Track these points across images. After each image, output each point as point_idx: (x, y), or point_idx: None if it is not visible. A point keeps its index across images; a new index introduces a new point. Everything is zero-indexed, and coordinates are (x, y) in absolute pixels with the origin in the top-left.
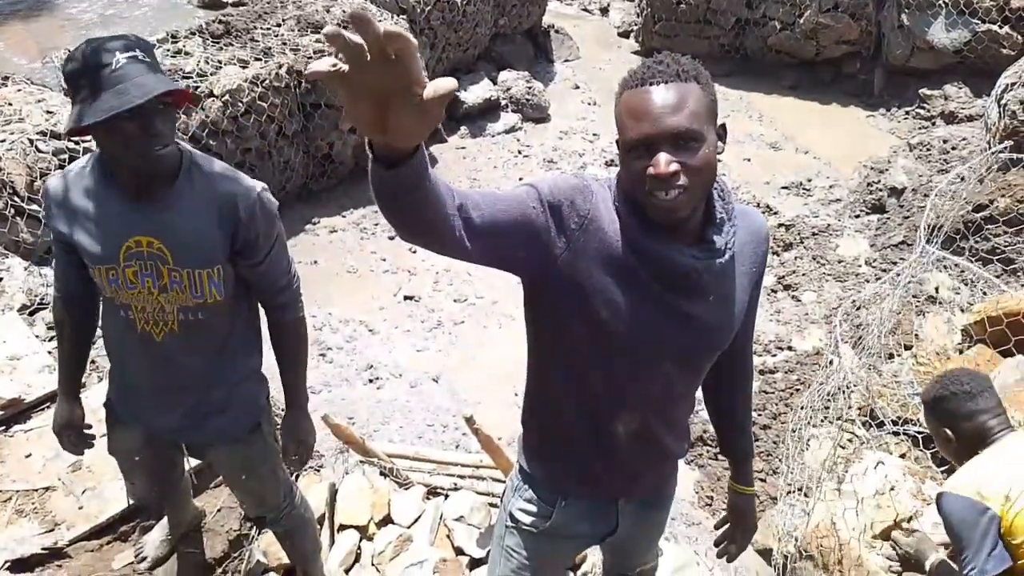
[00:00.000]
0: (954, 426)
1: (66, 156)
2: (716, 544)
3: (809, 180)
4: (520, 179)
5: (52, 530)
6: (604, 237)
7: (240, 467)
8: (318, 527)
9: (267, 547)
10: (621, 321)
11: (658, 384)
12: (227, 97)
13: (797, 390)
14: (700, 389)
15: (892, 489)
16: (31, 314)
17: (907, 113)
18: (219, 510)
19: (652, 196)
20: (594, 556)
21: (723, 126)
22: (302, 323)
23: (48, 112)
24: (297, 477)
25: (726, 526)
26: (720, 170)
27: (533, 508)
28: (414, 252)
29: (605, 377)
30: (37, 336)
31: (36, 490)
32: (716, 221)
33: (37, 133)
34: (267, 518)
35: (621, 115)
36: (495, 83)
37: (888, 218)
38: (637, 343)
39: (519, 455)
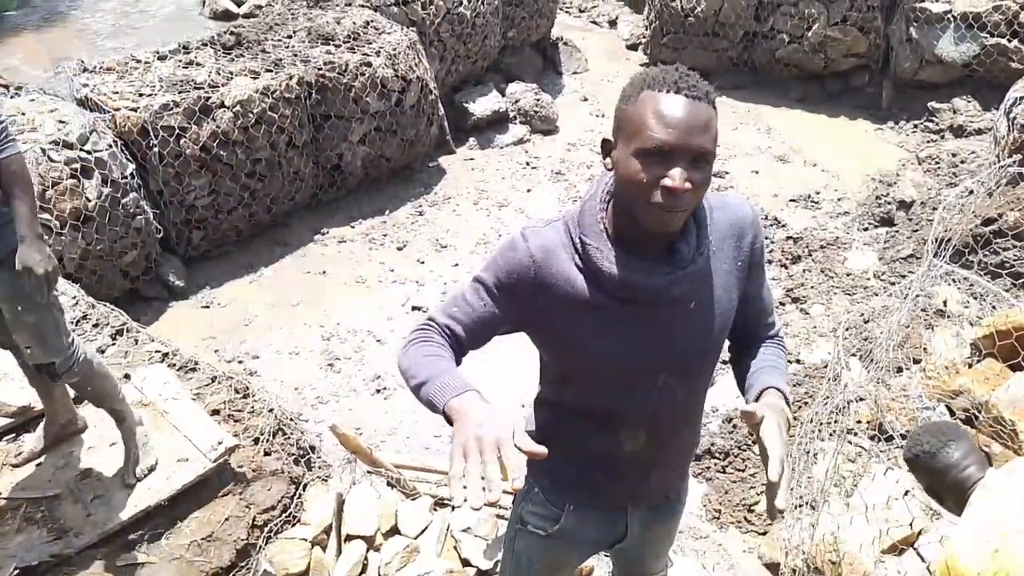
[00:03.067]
0: (933, 485)
1: (78, 166)
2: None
3: (817, 193)
4: (528, 190)
5: (60, 538)
6: (564, 283)
7: (12, 296)
8: (109, 371)
9: (274, 557)
10: (605, 348)
11: (659, 397)
12: (238, 108)
13: (805, 403)
14: (734, 373)
15: (906, 494)
16: None
17: (916, 126)
18: (226, 519)
19: (653, 206)
20: (601, 569)
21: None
22: (15, 161)
23: (61, 122)
24: (306, 487)
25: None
26: (728, 182)
27: (542, 511)
28: (422, 263)
29: (606, 397)
30: None
31: (45, 498)
32: (682, 229)
33: (49, 143)
34: (56, 364)
35: (642, 115)
36: (504, 95)
37: (897, 231)
38: (626, 364)
39: (526, 464)
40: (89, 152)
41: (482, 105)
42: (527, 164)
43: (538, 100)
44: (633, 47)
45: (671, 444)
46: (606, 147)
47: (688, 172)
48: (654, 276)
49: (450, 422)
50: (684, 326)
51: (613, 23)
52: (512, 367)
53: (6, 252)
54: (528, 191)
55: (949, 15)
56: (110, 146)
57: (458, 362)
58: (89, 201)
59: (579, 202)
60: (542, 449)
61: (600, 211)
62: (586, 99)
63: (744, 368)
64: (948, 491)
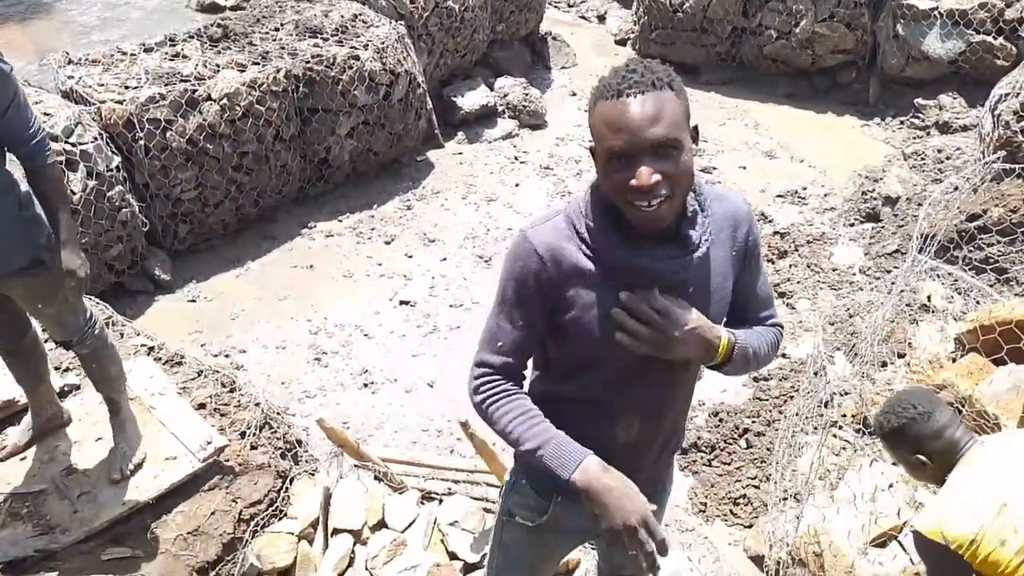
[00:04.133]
0: (924, 450)
1: (63, 158)
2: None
3: (804, 188)
4: (516, 185)
5: (46, 533)
6: (576, 274)
7: (33, 296)
8: (120, 357)
9: (261, 551)
10: (611, 330)
11: (655, 385)
12: (224, 101)
13: (791, 397)
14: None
15: (891, 487)
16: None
17: (902, 123)
18: (212, 513)
19: (634, 207)
20: (588, 562)
21: (695, 128)
22: (55, 168)
23: (46, 114)
24: (291, 482)
25: None
26: (715, 178)
27: (530, 503)
28: (410, 257)
29: (607, 386)
30: None
31: (31, 493)
32: (688, 215)
33: None
34: (72, 341)
35: (597, 126)
36: (492, 89)
37: (882, 227)
38: (630, 350)
39: (516, 456)
40: (74, 145)
41: (470, 99)
42: (515, 158)
43: (527, 95)
44: (622, 42)
45: (662, 433)
46: (593, 155)
47: (654, 165)
48: (663, 260)
49: (575, 490)
50: None
51: (602, 18)
52: None
53: (31, 256)
54: (516, 185)
55: (936, 12)
56: (95, 139)
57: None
58: (74, 194)
59: (580, 194)
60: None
61: (604, 200)
62: (574, 94)
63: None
64: (938, 455)
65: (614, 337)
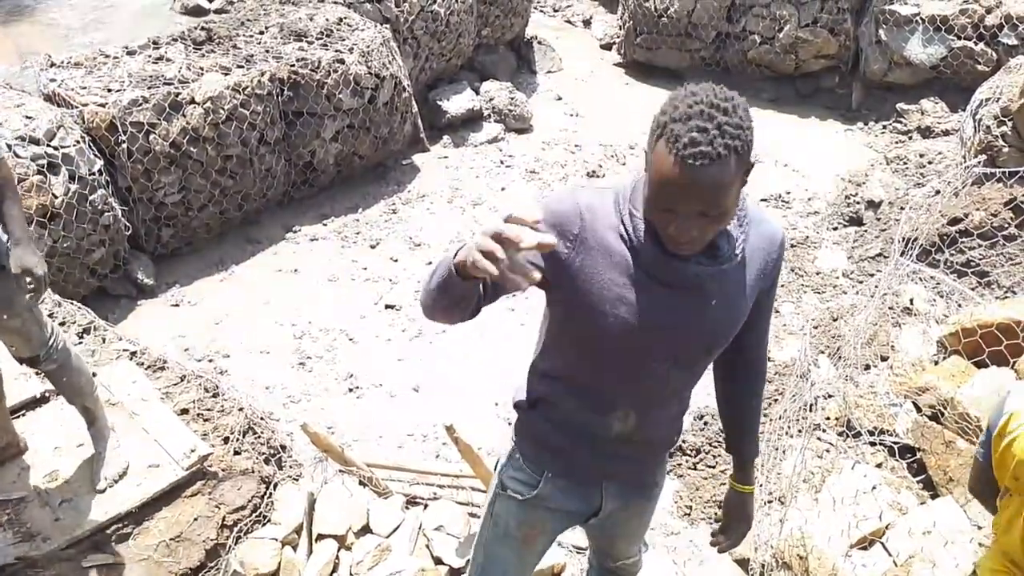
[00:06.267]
0: None
1: (45, 162)
2: (712, 536)
3: (788, 192)
4: (502, 189)
5: (26, 540)
6: (604, 248)
7: None
8: (87, 367)
9: (244, 557)
10: (623, 318)
11: (656, 383)
12: (208, 104)
13: (775, 400)
14: (715, 389)
15: (874, 488)
16: None
17: (884, 127)
18: (195, 519)
19: (669, 236)
20: (573, 567)
21: (752, 166)
22: (3, 164)
23: (27, 117)
24: (276, 487)
25: (723, 521)
26: None
27: (522, 476)
28: (395, 261)
29: (607, 376)
30: None
31: (11, 500)
32: (724, 229)
33: (15, 138)
34: (39, 356)
35: (654, 169)
36: (478, 93)
37: (865, 231)
38: (636, 340)
39: (513, 429)
40: (56, 148)
41: (456, 103)
42: (501, 163)
43: (512, 99)
44: (607, 47)
45: (657, 430)
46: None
47: (693, 222)
48: (694, 264)
49: (465, 276)
50: (702, 320)
51: (587, 23)
52: (490, 376)
53: None
54: (502, 189)
55: (918, 18)
56: (78, 142)
57: (478, 309)
58: (56, 198)
59: (628, 179)
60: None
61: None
62: (560, 98)
63: (731, 402)
64: None
65: (620, 321)
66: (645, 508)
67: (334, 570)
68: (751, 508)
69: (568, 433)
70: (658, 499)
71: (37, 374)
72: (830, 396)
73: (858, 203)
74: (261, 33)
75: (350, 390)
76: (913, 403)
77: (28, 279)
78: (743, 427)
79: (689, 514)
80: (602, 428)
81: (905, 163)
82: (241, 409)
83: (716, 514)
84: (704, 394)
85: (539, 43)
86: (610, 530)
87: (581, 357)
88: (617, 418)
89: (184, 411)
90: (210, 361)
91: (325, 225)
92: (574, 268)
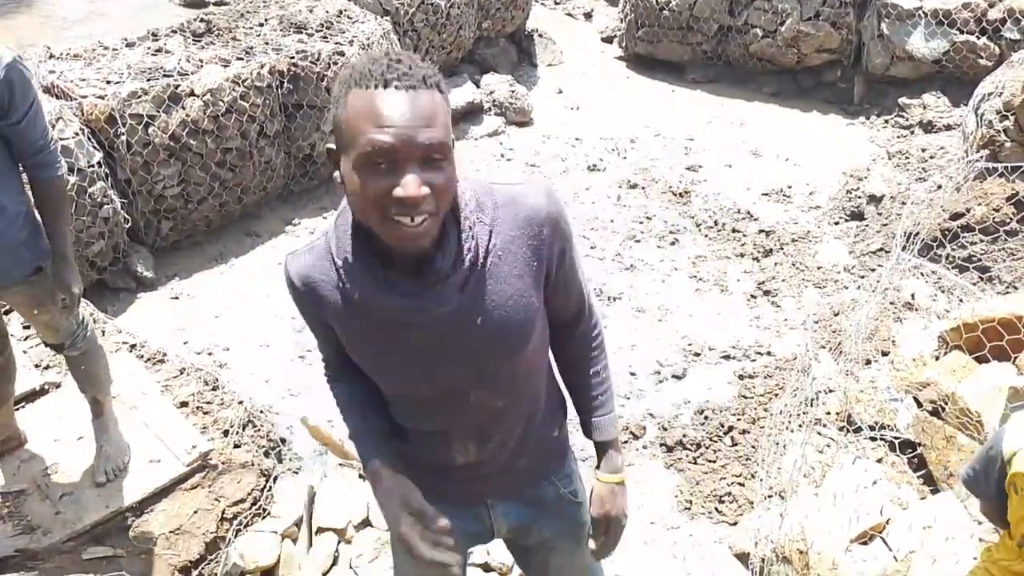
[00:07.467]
0: None
1: None
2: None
3: (789, 187)
4: None
5: (27, 533)
6: (333, 308)
7: (29, 304)
8: (108, 362)
9: (244, 550)
10: (394, 371)
11: (478, 412)
12: (208, 96)
13: (776, 395)
14: (560, 375)
15: (874, 483)
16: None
17: (886, 121)
18: (195, 512)
19: (395, 222)
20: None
21: (454, 140)
22: (62, 180)
23: None
24: (274, 481)
25: (593, 520)
26: (701, 176)
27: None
28: None
29: (424, 416)
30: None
31: (11, 492)
32: (441, 240)
33: None
34: (64, 344)
35: (352, 120)
36: (478, 86)
37: (867, 225)
38: (424, 386)
39: None
40: (55, 140)
41: (457, 96)
42: (501, 156)
43: (513, 92)
44: (608, 40)
45: (507, 449)
46: (333, 159)
47: (423, 175)
48: (407, 296)
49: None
50: (475, 340)
51: (589, 16)
52: None
53: (31, 269)
54: None
55: (920, 11)
56: (77, 134)
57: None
58: None
59: (330, 220)
60: (445, 523)
61: (352, 225)
62: (561, 91)
63: (566, 373)
64: None
65: (391, 372)
66: (575, 550)
67: (334, 563)
68: (623, 501)
69: (425, 469)
70: (583, 522)
71: (36, 366)
72: (831, 391)
73: (860, 198)
74: (261, 25)
75: None
76: (914, 398)
77: (63, 296)
78: (583, 402)
79: (689, 508)
80: (450, 461)
81: (907, 157)
82: (241, 402)
83: (716, 508)
84: (704, 389)
85: (540, 36)
86: (538, 556)
87: (396, 409)
88: (457, 451)
89: (184, 404)
90: (210, 354)
91: (325, 218)
92: (340, 333)
